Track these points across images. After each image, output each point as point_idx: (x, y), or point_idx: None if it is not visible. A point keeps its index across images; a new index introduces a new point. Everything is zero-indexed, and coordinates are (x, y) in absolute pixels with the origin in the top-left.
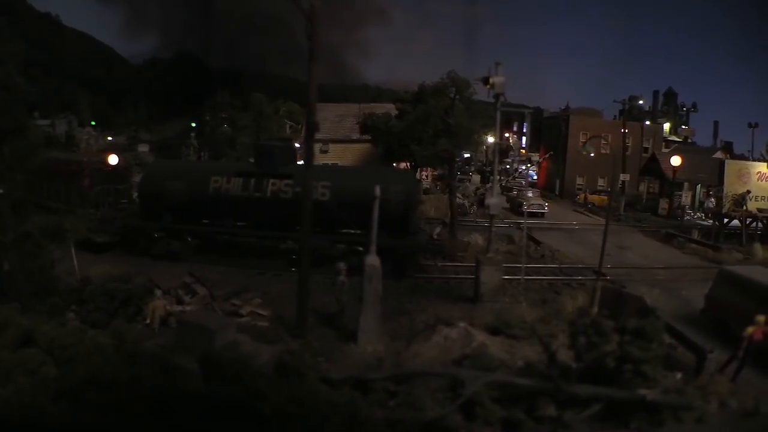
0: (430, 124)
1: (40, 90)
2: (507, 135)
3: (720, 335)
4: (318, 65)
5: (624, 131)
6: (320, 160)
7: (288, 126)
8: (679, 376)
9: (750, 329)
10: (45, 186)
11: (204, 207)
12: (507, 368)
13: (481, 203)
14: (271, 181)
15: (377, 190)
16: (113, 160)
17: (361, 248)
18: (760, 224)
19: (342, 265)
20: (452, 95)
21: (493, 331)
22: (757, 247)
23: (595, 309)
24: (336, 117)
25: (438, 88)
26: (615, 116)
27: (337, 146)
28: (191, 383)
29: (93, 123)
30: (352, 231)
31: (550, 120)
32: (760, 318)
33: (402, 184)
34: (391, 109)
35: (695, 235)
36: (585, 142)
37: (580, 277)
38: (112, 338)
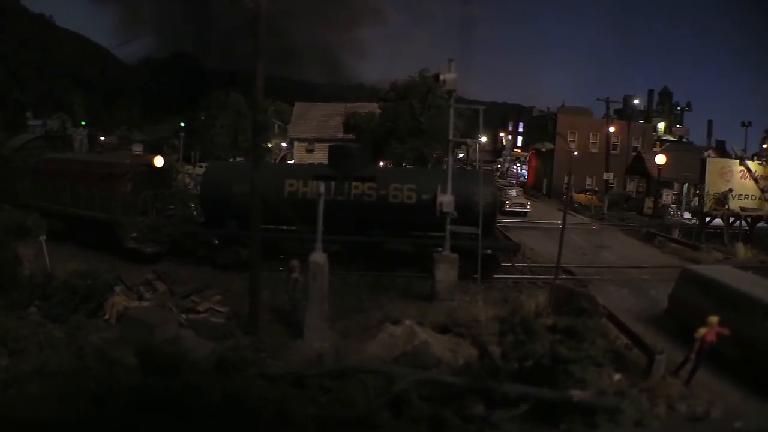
0: (400, 123)
1: (33, 90)
2: (501, 134)
3: (682, 336)
4: (264, 62)
5: (608, 130)
6: (306, 159)
7: (276, 125)
8: (617, 377)
9: (702, 330)
10: (69, 190)
11: (278, 212)
12: (447, 366)
13: None
14: (354, 184)
15: (321, 188)
16: (159, 162)
17: (440, 249)
18: (744, 223)
19: (296, 263)
20: (424, 94)
21: (442, 329)
22: (740, 247)
23: (549, 308)
24: (322, 116)
25: (408, 87)
26: (605, 115)
27: (323, 145)
28: (129, 376)
29: (83, 123)
30: (434, 233)
31: (538, 119)
32: (713, 319)
33: (488, 186)
34: (375, 108)
35: (676, 234)
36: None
37: (547, 276)
38: (66, 332)
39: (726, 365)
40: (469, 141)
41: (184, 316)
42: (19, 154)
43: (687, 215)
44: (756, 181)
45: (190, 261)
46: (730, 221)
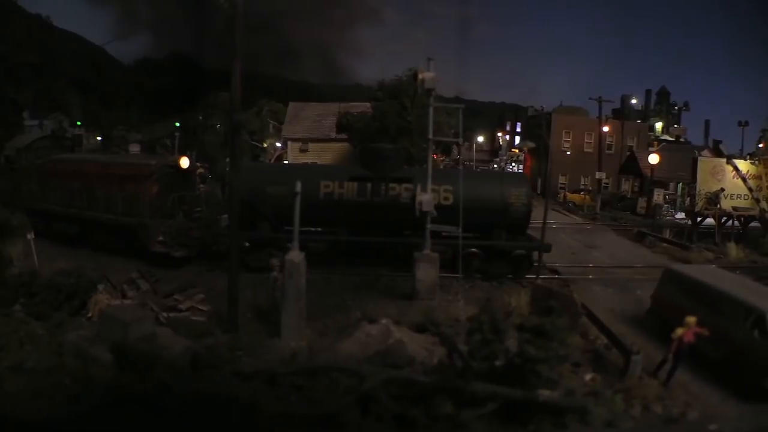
0: (388, 122)
1: (30, 90)
2: (499, 134)
3: (664, 336)
4: (241, 62)
5: (601, 129)
6: (299, 159)
7: (271, 125)
8: (588, 377)
9: (679, 331)
10: (85, 193)
11: (314, 213)
12: (420, 365)
13: None
14: (390, 185)
15: (298, 186)
16: (185, 163)
17: (475, 249)
18: (737, 223)
19: (275, 261)
20: (411, 93)
21: (420, 328)
22: (731, 247)
23: (528, 308)
24: (316, 116)
25: (395, 87)
26: (599, 115)
27: (316, 145)
28: (104, 373)
29: (79, 123)
30: (470, 234)
31: (533, 119)
32: (691, 319)
33: (523, 187)
34: (368, 107)
35: (667, 234)
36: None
37: (533, 276)
38: (47, 329)
39: (708, 366)
40: (459, 140)
41: (164, 314)
42: (24, 154)
43: (681, 215)
44: (744, 180)
45: (219, 265)
46: (722, 221)
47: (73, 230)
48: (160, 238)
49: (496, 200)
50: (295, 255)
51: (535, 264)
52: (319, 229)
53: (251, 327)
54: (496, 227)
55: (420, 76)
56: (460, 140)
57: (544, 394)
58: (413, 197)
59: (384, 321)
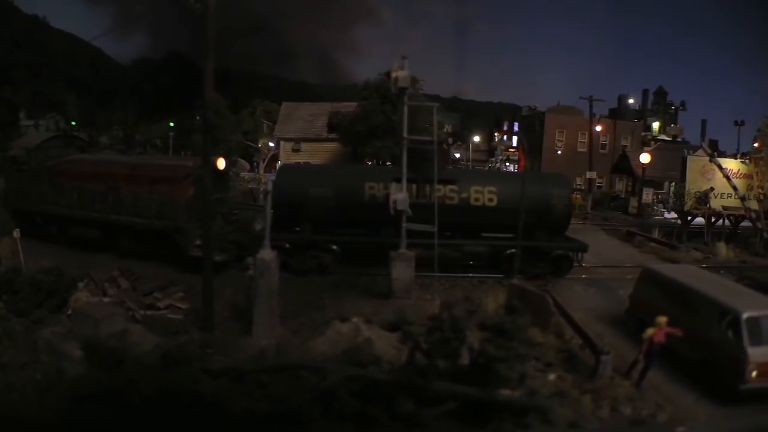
0: (372, 122)
1: (26, 90)
2: (496, 134)
3: (641, 336)
4: (213, 62)
5: (593, 128)
6: (292, 159)
7: (265, 125)
8: (552, 377)
9: (650, 331)
10: (110, 195)
11: (358, 215)
12: (388, 363)
13: None
14: (436, 186)
15: (269, 185)
16: (221, 164)
17: (513, 250)
18: (727, 222)
19: (251, 260)
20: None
21: (392, 327)
22: (721, 246)
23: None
24: (309, 116)
25: (379, 86)
26: (593, 114)
27: (309, 145)
28: (74, 368)
29: (73, 123)
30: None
31: (527, 118)
32: (662, 319)
33: (565, 188)
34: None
35: (656, 234)
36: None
37: (510, 276)
38: (25, 326)
39: (684, 368)
40: (452, 139)
41: (141, 312)
42: (33, 154)
43: (673, 214)
44: (728, 178)
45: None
46: (712, 220)
47: (94, 235)
48: (198, 242)
49: (540, 201)
50: (266, 253)
51: (576, 264)
52: (365, 231)
53: (228, 325)
54: (538, 228)
55: (393, 75)
56: (434, 139)
57: (504, 393)
58: (460, 199)
59: (355, 320)
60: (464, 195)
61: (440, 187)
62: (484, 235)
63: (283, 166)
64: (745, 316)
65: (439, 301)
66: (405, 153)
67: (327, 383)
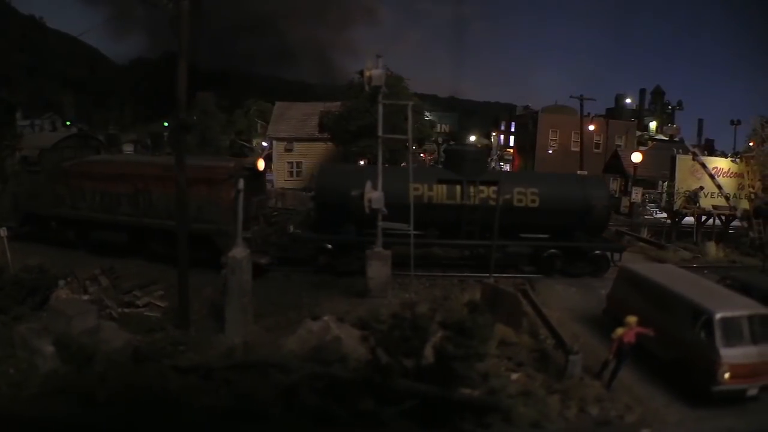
0: (359, 121)
1: (23, 90)
2: (493, 134)
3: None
4: (186, 62)
5: (584, 127)
6: (284, 158)
7: (258, 125)
8: (515, 376)
9: (619, 330)
10: (140, 198)
11: (403, 216)
12: (356, 362)
13: None
14: (479, 188)
15: (241, 183)
16: (261, 165)
17: (554, 250)
18: (718, 222)
19: (224, 259)
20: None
21: (365, 325)
22: (710, 246)
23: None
24: (302, 115)
25: (363, 85)
26: (587, 114)
27: (301, 145)
28: (46, 364)
29: (68, 123)
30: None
31: (521, 118)
32: (631, 319)
33: (603, 189)
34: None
35: (644, 234)
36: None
37: (497, 275)
38: (5, 323)
39: (658, 368)
40: (408, 138)
41: (119, 309)
42: (48, 155)
43: (664, 214)
44: (712, 177)
45: (301, 269)
46: (702, 220)
47: (120, 239)
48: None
49: (580, 203)
50: (238, 251)
51: (612, 264)
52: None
53: (204, 323)
54: (577, 229)
55: (367, 74)
56: (410, 137)
57: (463, 392)
58: (502, 200)
59: (326, 318)
60: (507, 196)
61: (484, 188)
62: (521, 236)
63: (325, 167)
64: (718, 316)
65: (415, 301)
66: (380, 151)
67: (289, 380)
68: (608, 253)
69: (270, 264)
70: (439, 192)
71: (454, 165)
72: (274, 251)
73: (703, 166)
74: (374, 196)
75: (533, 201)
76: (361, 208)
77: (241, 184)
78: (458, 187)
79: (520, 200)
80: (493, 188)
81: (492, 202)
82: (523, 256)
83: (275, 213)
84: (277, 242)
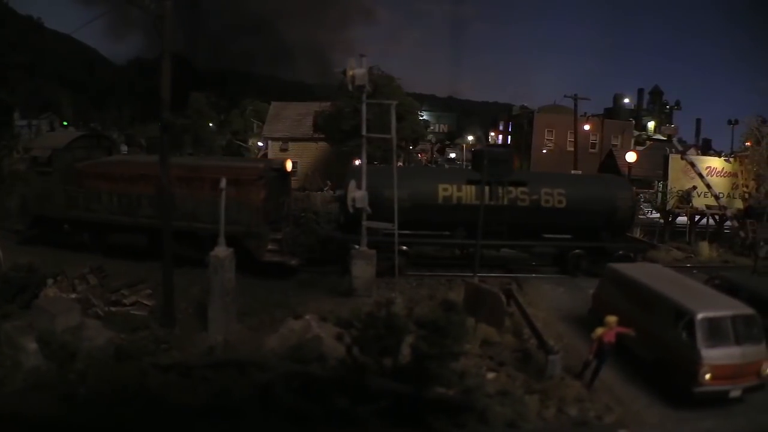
0: (351, 120)
1: (21, 91)
2: (492, 134)
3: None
4: (169, 62)
5: (579, 127)
6: (279, 158)
7: (255, 125)
8: (491, 375)
9: (599, 330)
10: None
11: (432, 217)
12: (336, 360)
13: None
14: (507, 188)
15: (222, 183)
16: (290, 165)
17: (579, 250)
18: (711, 221)
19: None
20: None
21: (347, 324)
22: (703, 246)
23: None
24: (297, 115)
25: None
26: (583, 113)
27: (296, 145)
28: (30, 361)
29: (65, 123)
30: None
31: (516, 118)
32: (611, 319)
33: (628, 190)
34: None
35: (637, 233)
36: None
37: (487, 274)
38: None
39: (641, 369)
40: (392, 137)
41: (106, 308)
42: (59, 156)
43: (657, 213)
44: (701, 176)
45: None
46: (695, 219)
47: (141, 242)
48: (271, 247)
49: (606, 203)
50: (221, 250)
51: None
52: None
53: (189, 322)
54: (603, 229)
55: (350, 73)
56: (393, 137)
57: (437, 391)
58: (531, 201)
59: (307, 317)
60: (535, 197)
61: (512, 189)
62: (544, 236)
63: (354, 168)
64: (699, 316)
65: (399, 300)
66: (364, 150)
67: (265, 378)
68: (631, 253)
69: (300, 265)
70: (468, 193)
71: (479, 166)
72: (303, 252)
73: (692, 165)
74: (357, 195)
75: (560, 201)
76: (391, 208)
77: (223, 183)
78: (486, 188)
79: (547, 200)
80: (521, 189)
81: (520, 203)
82: (547, 256)
83: (302, 214)
84: (305, 243)
